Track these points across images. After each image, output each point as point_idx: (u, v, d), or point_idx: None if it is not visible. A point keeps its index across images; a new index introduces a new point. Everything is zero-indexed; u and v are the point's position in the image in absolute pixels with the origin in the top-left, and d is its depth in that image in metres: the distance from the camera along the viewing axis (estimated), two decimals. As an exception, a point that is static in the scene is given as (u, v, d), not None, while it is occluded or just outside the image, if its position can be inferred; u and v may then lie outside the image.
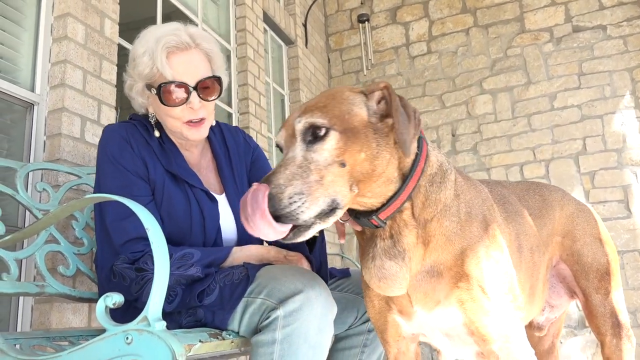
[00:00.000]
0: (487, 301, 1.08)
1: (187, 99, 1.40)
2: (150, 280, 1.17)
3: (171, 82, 1.38)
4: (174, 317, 1.31)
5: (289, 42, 4.48)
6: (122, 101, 2.22)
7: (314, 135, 1.00)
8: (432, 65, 4.73)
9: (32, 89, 2.02)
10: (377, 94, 1.06)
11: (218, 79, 1.46)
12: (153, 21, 2.90)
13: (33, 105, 2.00)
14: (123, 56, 2.40)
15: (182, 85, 1.39)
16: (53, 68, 2.04)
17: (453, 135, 4.55)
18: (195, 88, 1.40)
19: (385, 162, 1.04)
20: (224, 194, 1.53)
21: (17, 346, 1.27)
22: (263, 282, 1.22)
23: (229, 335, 1.23)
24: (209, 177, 1.55)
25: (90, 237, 1.72)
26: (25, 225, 1.83)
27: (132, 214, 1.19)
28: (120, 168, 1.37)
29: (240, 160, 1.62)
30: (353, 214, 1.12)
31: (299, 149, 1.01)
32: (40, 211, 1.59)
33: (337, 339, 1.60)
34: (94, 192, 1.46)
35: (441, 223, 1.09)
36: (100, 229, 1.41)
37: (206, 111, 1.45)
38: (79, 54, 2.08)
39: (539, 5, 4.42)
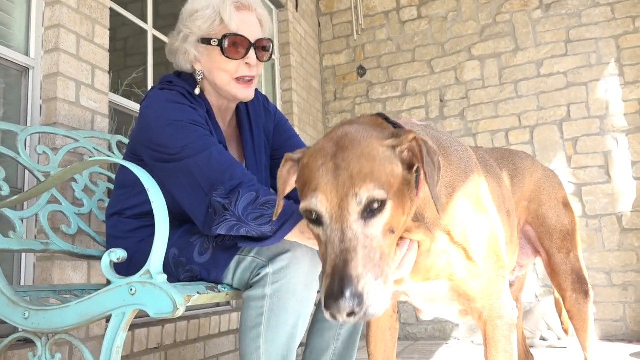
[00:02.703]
0: (474, 267, 1.13)
1: (245, 53, 1.48)
2: (226, 220, 1.23)
3: (236, 35, 1.46)
4: (172, 272, 1.41)
5: (279, 5, 4.46)
6: (114, 65, 2.26)
7: (370, 210, 0.89)
8: (422, 31, 4.75)
9: (27, 53, 2.05)
10: (405, 145, 0.97)
11: (271, 43, 1.55)
12: (143, -16, 2.90)
13: (28, 69, 2.03)
14: (115, 20, 2.43)
15: (244, 39, 1.47)
16: (47, 32, 2.07)
17: (441, 101, 4.61)
18: (254, 45, 1.49)
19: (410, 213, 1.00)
20: (244, 163, 1.61)
21: (27, 298, 1.36)
22: None
23: (224, 288, 1.33)
24: (232, 147, 1.62)
25: (89, 198, 1.80)
26: (26, 187, 1.90)
27: (209, 152, 1.30)
28: (188, 125, 1.35)
29: (259, 131, 1.67)
30: None
31: (358, 226, 0.88)
32: (41, 173, 1.67)
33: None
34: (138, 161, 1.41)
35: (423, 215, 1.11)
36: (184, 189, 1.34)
37: (257, 71, 1.53)
38: (72, 18, 2.10)
39: (530, -29, 4.42)
